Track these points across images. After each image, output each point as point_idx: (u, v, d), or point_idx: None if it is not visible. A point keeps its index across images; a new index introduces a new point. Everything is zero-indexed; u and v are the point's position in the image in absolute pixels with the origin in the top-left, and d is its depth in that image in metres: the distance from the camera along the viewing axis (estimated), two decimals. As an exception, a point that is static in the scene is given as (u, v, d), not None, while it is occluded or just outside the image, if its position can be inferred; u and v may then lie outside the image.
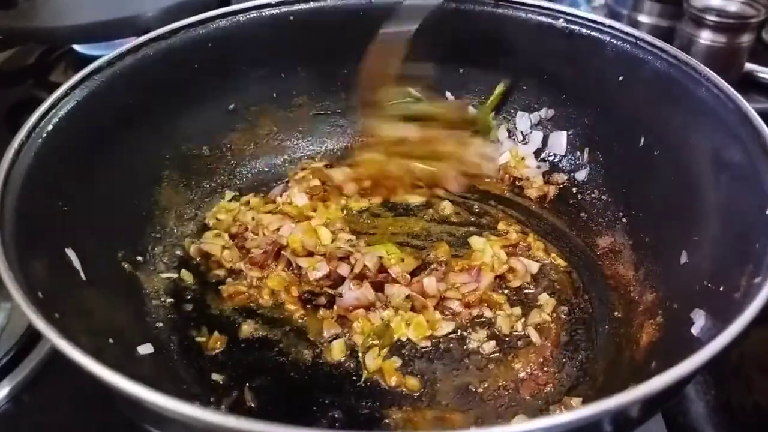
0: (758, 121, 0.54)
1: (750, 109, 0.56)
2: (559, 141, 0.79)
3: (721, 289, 0.51)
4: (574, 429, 0.35)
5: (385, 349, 0.59)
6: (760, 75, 0.96)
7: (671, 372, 0.36)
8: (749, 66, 0.95)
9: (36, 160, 0.54)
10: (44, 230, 0.53)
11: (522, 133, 0.82)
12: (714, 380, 0.62)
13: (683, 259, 0.59)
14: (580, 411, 0.34)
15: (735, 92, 0.58)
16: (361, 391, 0.57)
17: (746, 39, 0.90)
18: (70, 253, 0.55)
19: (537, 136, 0.81)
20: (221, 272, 0.67)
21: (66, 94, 0.60)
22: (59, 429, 0.61)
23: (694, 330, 0.52)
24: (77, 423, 0.61)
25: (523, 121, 0.82)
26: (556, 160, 0.80)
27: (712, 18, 0.88)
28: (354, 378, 0.58)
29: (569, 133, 0.78)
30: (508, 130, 0.83)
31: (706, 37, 0.89)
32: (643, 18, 1.04)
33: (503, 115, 0.83)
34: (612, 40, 0.69)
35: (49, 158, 0.56)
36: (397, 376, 0.58)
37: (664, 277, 0.61)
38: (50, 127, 0.57)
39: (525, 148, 0.81)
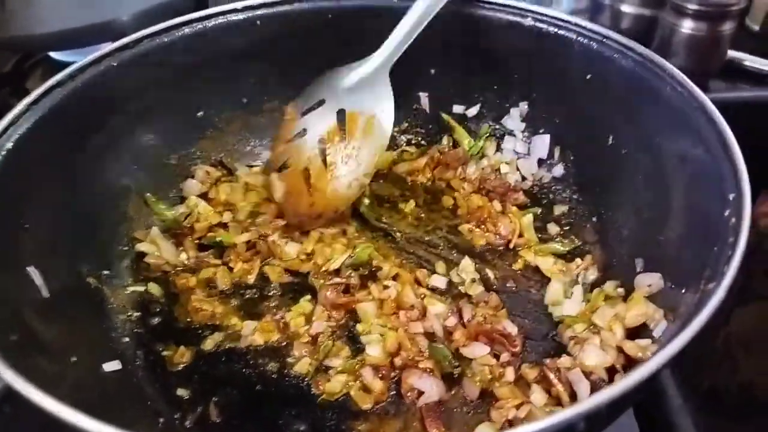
0: (720, 120, 0.54)
1: (713, 108, 0.55)
2: (542, 144, 0.78)
3: (683, 291, 0.51)
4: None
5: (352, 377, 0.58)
6: (744, 63, 0.95)
7: (626, 380, 0.36)
8: (732, 54, 0.94)
9: (-6, 178, 0.54)
10: (5, 250, 0.52)
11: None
12: (698, 365, 0.62)
13: (639, 267, 0.59)
14: (546, 420, 0.34)
15: (698, 90, 0.58)
16: (326, 403, 0.56)
17: (728, 27, 0.88)
18: (33, 271, 0.54)
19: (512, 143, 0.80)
20: (191, 283, 0.66)
21: (26, 110, 0.59)
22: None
23: (656, 333, 0.52)
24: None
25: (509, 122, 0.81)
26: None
27: (692, 6, 0.86)
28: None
29: (540, 131, 0.78)
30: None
31: (687, 26, 0.88)
32: (625, 8, 1.02)
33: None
34: (579, 39, 0.69)
35: (9, 177, 0.55)
36: (360, 397, 0.57)
37: (628, 278, 0.61)
38: (10, 145, 0.56)
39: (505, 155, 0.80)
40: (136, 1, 0.98)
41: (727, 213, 0.47)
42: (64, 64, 1.13)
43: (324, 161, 0.70)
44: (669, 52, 0.90)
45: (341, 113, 0.71)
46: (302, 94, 0.74)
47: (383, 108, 0.69)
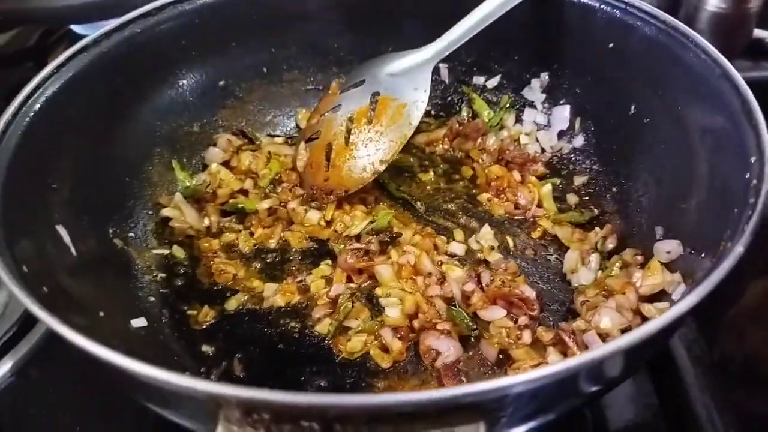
0: (744, 87, 0.54)
1: (737, 74, 0.55)
2: (562, 115, 0.77)
3: (702, 255, 0.51)
4: (554, 383, 0.35)
5: (371, 337, 0.59)
6: (770, 42, 0.94)
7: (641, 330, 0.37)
8: (758, 33, 0.93)
9: (23, 140, 0.55)
10: (34, 209, 0.54)
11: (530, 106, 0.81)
12: (705, 334, 0.62)
13: (658, 235, 0.60)
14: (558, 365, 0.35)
15: (723, 57, 0.57)
16: (346, 362, 0.58)
17: (754, 4, 0.87)
18: (61, 230, 0.56)
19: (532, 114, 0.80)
20: (214, 246, 0.68)
21: (52, 73, 0.60)
22: (61, 401, 0.63)
23: (675, 297, 0.52)
24: (77, 394, 0.64)
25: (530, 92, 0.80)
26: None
27: None
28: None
29: (561, 102, 0.78)
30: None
31: (713, 2, 0.88)
32: (650, -16, 1.02)
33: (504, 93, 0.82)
34: (602, 6, 0.68)
35: (37, 138, 0.56)
36: (379, 356, 0.58)
37: (647, 246, 0.61)
38: (37, 107, 0.58)
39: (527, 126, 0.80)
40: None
41: (748, 176, 0.47)
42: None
43: (346, 140, 0.71)
44: (693, 29, 0.89)
45: (375, 96, 0.71)
46: (350, 73, 0.76)
47: (417, 99, 0.70)
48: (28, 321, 0.67)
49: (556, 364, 0.34)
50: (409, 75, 0.71)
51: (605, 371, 0.40)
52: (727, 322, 0.68)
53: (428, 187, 0.75)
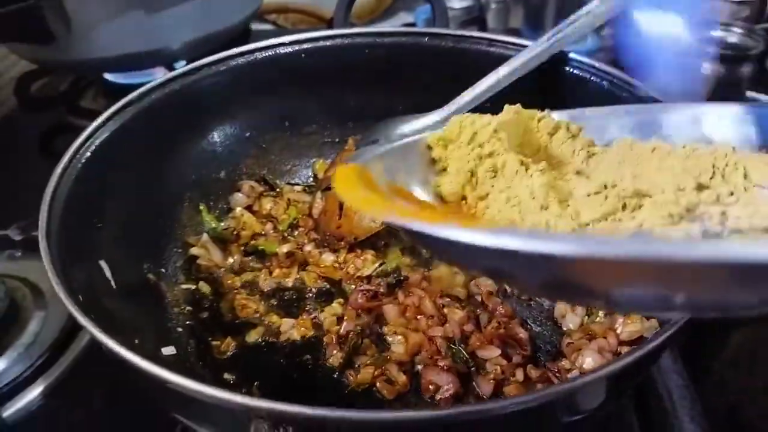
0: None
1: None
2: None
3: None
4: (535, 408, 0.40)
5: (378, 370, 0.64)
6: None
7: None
8: (751, 94, 0.99)
9: (76, 183, 0.62)
10: (83, 245, 0.60)
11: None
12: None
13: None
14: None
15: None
16: (354, 392, 0.63)
17: (746, 69, 0.94)
18: (103, 264, 0.62)
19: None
20: (237, 283, 0.74)
21: (102, 124, 0.68)
22: (89, 423, 0.68)
23: (652, 340, 0.58)
24: (105, 418, 0.69)
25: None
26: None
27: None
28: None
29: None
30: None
31: (707, 67, 0.94)
32: (648, 48, 1.09)
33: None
34: (592, 78, 0.76)
35: (87, 181, 0.63)
36: (385, 388, 0.63)
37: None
38: (88, 154, 0.65)
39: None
40: (185, 32, 1.08)
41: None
42: (115, 85, 1.25)
43: None
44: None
45: None
46: (365, 133, 0.82)
47: None
48: (57, 350, 0.73)
49: (537, 391, 0.39)
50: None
51: (582, 399, 0.45)
52: (711, 373, 0.74)
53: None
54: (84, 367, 0.73)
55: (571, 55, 0.76)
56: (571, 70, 0.76)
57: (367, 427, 0.37)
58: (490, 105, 0.75)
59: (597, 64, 0.74)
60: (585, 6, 0.72)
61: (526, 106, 0.54)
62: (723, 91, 0.96)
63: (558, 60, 0.75)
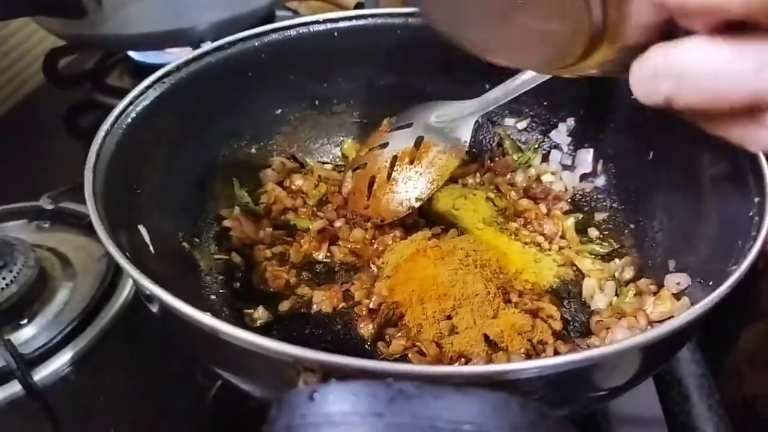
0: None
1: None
2: (585, 159, 0.84)
3: (710, 284, 0.58)
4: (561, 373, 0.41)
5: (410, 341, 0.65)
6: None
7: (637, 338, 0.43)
8: None
9: (117, 149, 0.62)
10: (124, 208, 0.61)
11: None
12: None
13: (671, 267, 0.66)
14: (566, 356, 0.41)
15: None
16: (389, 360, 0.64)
17: None
18: (142, 229, 0.63)
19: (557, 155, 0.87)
20: (268, 255, 0.75)
21: (141, 93, 0.68)
22: (116, 390, 0.70)
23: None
24: (132, 384, 0.70)
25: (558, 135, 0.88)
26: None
27: None
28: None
29: (585, 145, 0.85)
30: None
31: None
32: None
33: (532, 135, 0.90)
34: (625, 63, 0.76)
35: (127, 147, 0.64)
36: (417, 359, 0.63)
37: (661, 276, 0.67)
38: (129, 120, 0.65)
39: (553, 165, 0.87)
40: (213, 12, 1.09)
41: (751, 213, 0.54)
42: (141, 64, 1.26)
43: (389, 175, 0.78)
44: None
45: (420, 139, 0.79)
46: (400, 114, 0.83)
47: (457, 147, 0.77)
48: (85, 319, 0.74)
49: (566, 355, 0.40)
50: (453, 124, 0.78)
51: (617, 367, 0.46)
52: (726, 368, 0.74)
53: (461, 214, 0.82)
54: (112, 336, 0.75)
55: None
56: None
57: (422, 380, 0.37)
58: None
59: None
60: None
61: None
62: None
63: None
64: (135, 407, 0.69)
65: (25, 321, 0.75)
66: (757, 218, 0.53)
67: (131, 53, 1.28)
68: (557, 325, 0.64)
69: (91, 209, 0.52)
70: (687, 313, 0.43)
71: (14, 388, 0.67)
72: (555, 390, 0.44)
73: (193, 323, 0.43)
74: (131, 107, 0.67)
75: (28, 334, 0.75)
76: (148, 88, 0.69)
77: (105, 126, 0.62)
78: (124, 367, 0.74)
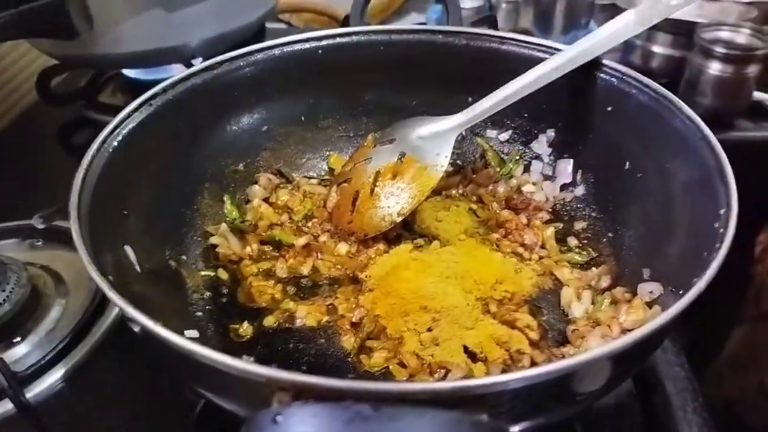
0: (718, 148, 0.62)
1: (713, 138, 0.64)
2: (565, 169, 0.86)
3: (680, 293, 0.59)
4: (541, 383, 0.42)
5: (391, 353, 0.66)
6: (769, 103, 1.01)
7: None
8: (758, 95, 1.01)
9: (103, 171, 0.64)
10: (110, 230, 0.63)
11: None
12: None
13: (645, 275, 0.68)
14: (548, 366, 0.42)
15: (703, 124, 0.66)
16: (368, 375, 0.65)
17: (753, 70, 0.95)
18: (128, 249, 0.65)
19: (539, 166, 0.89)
20: (254, 271, 0.77)
21: (128, 116, 0.70)
22: (108, 407, 0.71)
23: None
24: (124, 400, 0.72)
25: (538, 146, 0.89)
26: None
27: (720, 50, 0.94)
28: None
29: (565, 156, 0.87)
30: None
31: (715, 67, 0.96)
32: (656, 48, 1.10)
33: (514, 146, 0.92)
34: (602, 75, 0.78)
35: (114, 170, 0.66)
36: (398, 371, 0.65)
37: (635, 284, 0.69)
38: (115, 143, 0.67)
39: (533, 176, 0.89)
40: (203, 29, 1.10)
41: (717, 224, 0.56)
42: (134, 81, 1.28)
43: (371, 190, 0.80)
44: (696, 92, 0.97)
45: (402, 155, 0.80)
46: (384, 130, 0.85)
47: (438, 163, 0.79)
48: (77, 336, 0.75)
49: (542, 366, 0.41)
50: (435, 140, 0.79)
51: (591, 375, 0.47)
52: (709, 371, 0.76)
53: (443, 227, 0.84)
54: (104, 352, 0.76)
55: (606, 62, 0.77)
56: (609, 78, 0.77)
57: (383, 397, 0.39)
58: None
59: (637, 75, 0.74)
60: (619, 17, 0.74)
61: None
62: (730, 90, 0.97)
63: (590, 66, 0.77)
64: (125, 422, 0.70)
65: (18, 339, 0.77)
66: (721, 230, 0.55)
67: (124, 70, 1.30)
68: (534, 335, 0.66)
69: (75, 236, 0.53)
70: (640, 330, 0.45)
71: (6, 406, 0.68)
72: (526, 401, 0.45)
73: (170, 345, 0.45)
74: (118, 130, 0.68)
75: (21, 352, 0.76)
76: (134, 111, 0.71)
77: (91, 150, 0.64)
78: (115, 382, 0.75)
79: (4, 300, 0.74)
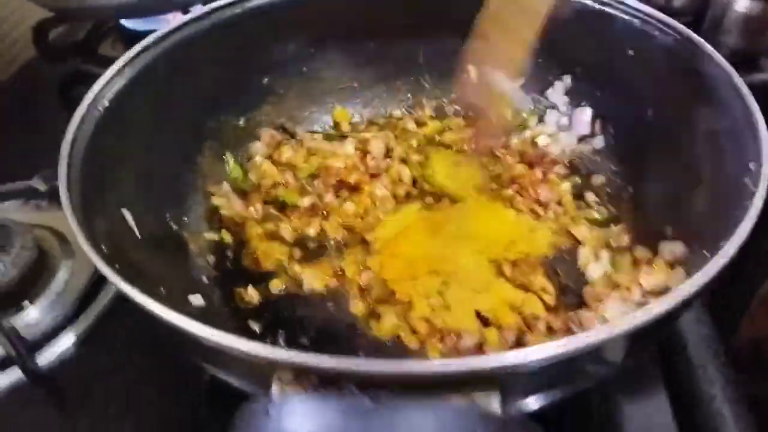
0: (749, 96, 0.58)
1: (742, 83, 0.59)
2: (583, 119, 0.82)
3: (705, 253, 0.56)
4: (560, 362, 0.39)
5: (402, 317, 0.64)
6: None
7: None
8: None
9: (96, 130, 0.61)
10: (104, 193, 0.60)
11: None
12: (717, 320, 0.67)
13: (668, 233, 0.64)
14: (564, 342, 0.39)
15: (732, 69, 0.61)
16: (379, 341, 0.63)
17: None
18: (126, 213, 0.62)
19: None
20: (259, 232, 0.74)
21: (119, 71, 0.66)
22: (121, 369, 0.70)
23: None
24: (136, 364, 0.70)
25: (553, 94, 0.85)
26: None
27: None
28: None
29: (582, 104, 0.82)
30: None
31: (741, 4, 0.90)
32: (678, -15, 1.04)
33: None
34: (622, 16, 0.72)
35: (106, 129, 0.62)
36: (409, 338, 0.63)
37: (657, 243, 0.66)
38: (106, 102, 0.64)
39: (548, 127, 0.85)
40: (201, -26, 1.04)
41: (746, 180, 0.52)
42: (133, 32, 1.23)
43: None
44: (721, 31, 0.91)
45: None
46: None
47: None
48: (87, 297, 0.74)
49: (558, 341, 0.38)
50: None
51: (611, 350, 0.45)
52: (739, 308, 0.72)
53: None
54: (115, 314, 0.75)
55: (627, 1, 0.72)
56: (630, 19, 0.72)
57: (385, 377, 0.37)
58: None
59: (661, 16, 0.69)
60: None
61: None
62: (757, 29, 0.91)
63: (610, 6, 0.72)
64: (138, 384, 0.69)
65: (27, 303, 0.76)
66: (751, 186, 0.51)
67: (122, 21, 1.25)
68: (550, 299, 0.63)
69: (64, 202, 0.51)
70: (669, 297, 0.42)
71: (17, 374, 0.67)
72: (539, 377, 0.43)
73: (161, 321, 0.42)
74: (108, 86, 0.65)
75: (30, 317, 0.75)
76: (125, 66, 0.67)
77: (81, 109, 0.61)
78: (128, 347, 0.74)
79: (10, 264, 0.73)
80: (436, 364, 0.38)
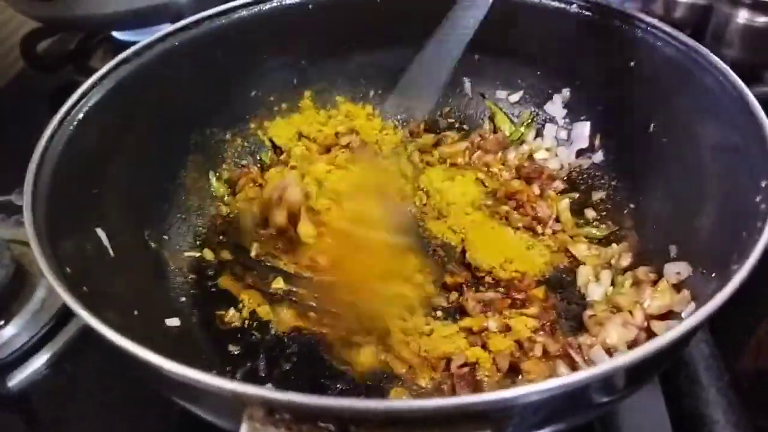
0: (757, 109, 0.55)
1: (752, 97, 0.56)
2: (582, 132, 0.79)
3: (712, 275, 0.53)
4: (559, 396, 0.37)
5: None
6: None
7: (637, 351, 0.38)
8: None
9: (68, 147, 0.58)
10: (75, 212, 0.57)
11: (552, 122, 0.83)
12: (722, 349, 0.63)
13: (672, 253, 0.61)
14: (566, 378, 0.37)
15: (739, 81, 0.58)
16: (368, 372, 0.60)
17: None
18: (100, 232, 0.59)
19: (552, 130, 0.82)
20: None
21: (95, 84, 0.63)
22: (92, 392, 0.67)
23: (684, 315, 0.54)
24: (113, 387, 0.67)
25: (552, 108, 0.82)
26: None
27: None
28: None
29: (582, 118, 0.79)
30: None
31: (743, 16, 0.88)
32: (679, -5, 1.02)
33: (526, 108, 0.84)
34: (624, 26, 0.70)
35: (81, 144, 0.60)
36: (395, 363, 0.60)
37: (661, 263, 0.62)
38: (81, 116, 0.61)
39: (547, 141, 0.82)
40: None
41: (758, 199, 0.49)
42: (125, 44, 1.20)
43: None
44: (723, 42, 0.89)
45: None
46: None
47: None
48: (64, 316, 0.71)
49: (556, 379, 0.35)
50: None
51: (611, 385, 0.41)
52: (745, 338, 0.69)
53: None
54: (89, 336, 0.72)
55: (627, 11, 0.70)
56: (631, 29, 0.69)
57: (365, 417, 0.33)
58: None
59: (663, 26, 0.67)
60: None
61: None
62: (759, 41, 0.89)
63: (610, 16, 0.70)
64: (111, 408, 0.66)
65: (2, 323, 0.73)
66: (763, 206, 0.47)
67: (114, 33, 1.23)
68: (549, 323, 0.60)
69: (27, 224, 0.48)
70: (679, 327, 0.38)
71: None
72: (533, 415, 0.40)
73: (128, 354, 0.39)
74: (83, 101, 0.62)
75: (6, 335, 0.72)
76: (102, 78, 0.64)
77: (51, 126, 0.58)
78: (101, 369, 0.71)
79: (-15, 281, 0.70)
80: (420, 403, 0.35)
